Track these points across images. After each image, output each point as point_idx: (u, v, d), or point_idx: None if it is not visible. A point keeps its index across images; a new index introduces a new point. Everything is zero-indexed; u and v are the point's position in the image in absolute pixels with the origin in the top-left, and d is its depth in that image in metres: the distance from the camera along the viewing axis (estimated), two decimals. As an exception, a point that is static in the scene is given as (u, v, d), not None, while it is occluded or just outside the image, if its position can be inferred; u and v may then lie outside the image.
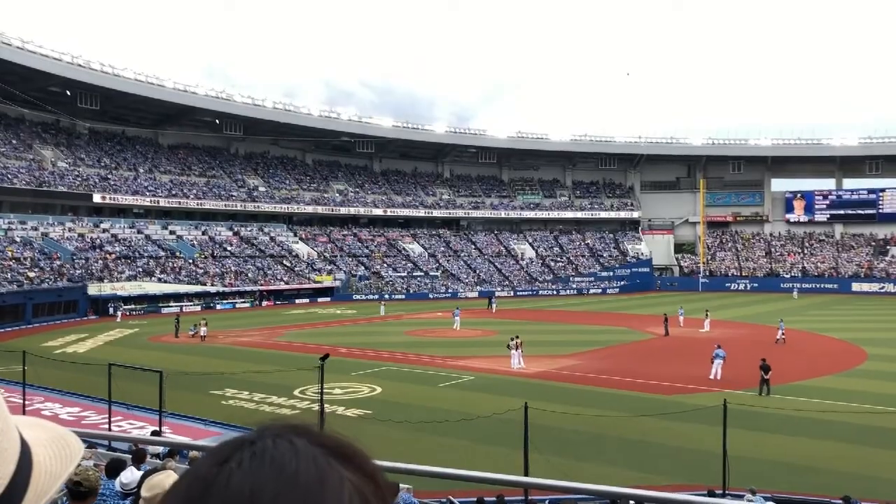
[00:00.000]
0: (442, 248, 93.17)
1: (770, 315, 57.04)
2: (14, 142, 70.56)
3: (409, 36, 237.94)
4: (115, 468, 7.75)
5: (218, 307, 64.54)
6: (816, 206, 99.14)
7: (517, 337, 32.77)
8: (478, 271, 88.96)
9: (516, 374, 30.68)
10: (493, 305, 64.01)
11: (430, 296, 78.67)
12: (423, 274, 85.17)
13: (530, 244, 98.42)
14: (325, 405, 21.99)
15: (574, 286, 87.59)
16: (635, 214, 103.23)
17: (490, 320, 53.95)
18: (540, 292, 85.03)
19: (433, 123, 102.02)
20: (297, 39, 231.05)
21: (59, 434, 0.99)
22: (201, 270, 69.05)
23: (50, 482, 0.91)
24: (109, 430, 19.30)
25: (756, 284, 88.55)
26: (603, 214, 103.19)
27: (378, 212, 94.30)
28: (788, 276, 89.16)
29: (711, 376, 28.85)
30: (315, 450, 0.81)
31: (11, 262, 56.18)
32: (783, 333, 39.55)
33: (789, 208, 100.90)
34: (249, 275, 71.80)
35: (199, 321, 44.99)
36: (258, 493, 0.75)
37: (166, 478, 4.93)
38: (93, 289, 57.67)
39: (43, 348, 36.22)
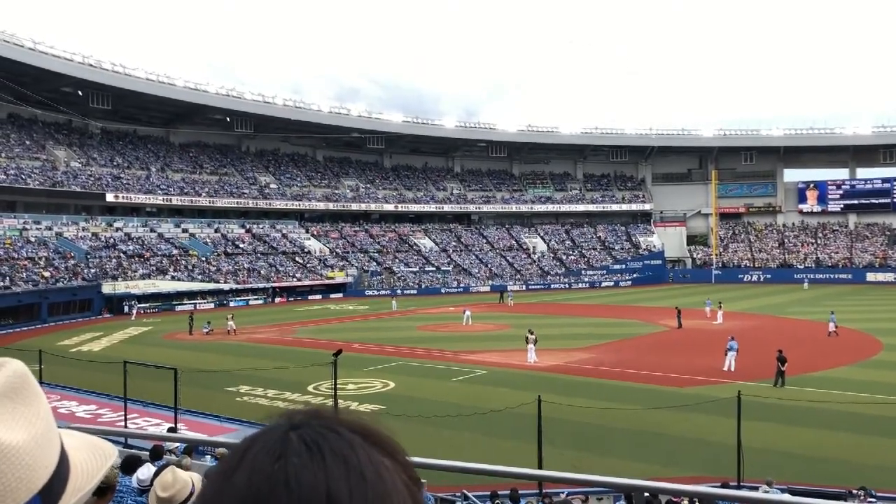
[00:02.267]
0: (453, 243, 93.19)
1: (781, 306, 56.80)
2: (27, 142, 71.06)
3: (415, 31, 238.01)
4: (131, 465, 7.82)
5: (231, 304, 64.81)
6: (830, 196, 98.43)
7: (532, 332, 32.75)
8: (489, 266, 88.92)
9: (529, 367, 30.68)
10: (510, 299, 63.99)
11: (442, 290, 78.74)
12: (434, 269, 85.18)
13: (542, 238, 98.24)
14: (339, 401, 22.09)
15: (586, 279, 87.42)
16: (647, 207, 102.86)
17: (504, 314, 53.94)
18: (552, 286, 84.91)
19: (442, 118, 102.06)
20: (303, 37, 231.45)
21: (89, 440, 1.05)
22: (214, 268, 69.37)
23: (86, 479, 0.97)
24: (125, 427, 19.45)
25: (769, 276, 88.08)
26: (614, 207, 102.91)
27: (389, 207, 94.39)
28: (802, 266, 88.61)
29: (725, 368, 28.77)
30: (358, 438, 0.81)
31: (27, 262, 56.63)
32: (836, 326, 38.75)
33: (802, 199, 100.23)
34: (262, 272, 72.06)
35: (225, 316, 45.92)
36: (336, 490, 0.74)
37: (175, 474, 4.92)
38: (107, 287, 58.08)
39: (58, 347, 36.51)
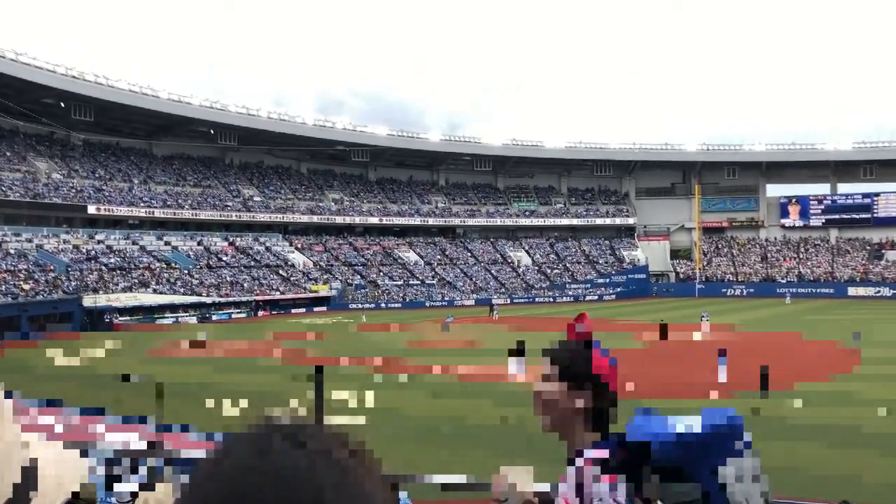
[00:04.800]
0: (438, 257, 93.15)
1: (764, 320, 57.10)
2: (8, 154, 70.46)
3: (399, 44, 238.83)
4: (110, 479, 7.67)
5: (214, 318, 64.37)
6: (811, 211, 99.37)
7: (520, 345, 32.69)
8: (474, 279, 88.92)
9: (514, 381, 30.56)
10: (496, 312, 63.89)
11: (427, 304, 78.59)
12: (419, 282, 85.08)
13: (526, 251, 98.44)
14: (323, 415, 21.89)
15: (570, 293, 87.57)
16: (631, 221, 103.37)
17: (489, 327, 53.84)
18: (536, 299, 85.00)
19: (427, 132, 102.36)
20: (285, 49, 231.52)
21: (61, 455, 1.06)
22: (197, 281, 68.91)
23: (56, 492, 0.98)
24: (105, 440, 19.20)
25: (752, 290, 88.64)
26: (598, 221, 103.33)
27: (373, 220, 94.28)
28: (784, 281, 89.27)
29: (720, 380, 28.75)
30: (335, 441, 0.83)
31: (6, 275, 56.01)
32: (857, 344, 38.17)
33: (784, 213, 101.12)
34: (245, 285, 71.66)
35: (197, 330, 45.36)
36: (320, 481, 0.76)
37: (165, 491, 4.81)
38: (88, 300, 57.48)
39: (38, 360, 36.05)
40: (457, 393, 28.81)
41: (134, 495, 6.08)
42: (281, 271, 78.19)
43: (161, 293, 64.23)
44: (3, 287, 53.71)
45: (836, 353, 38.35)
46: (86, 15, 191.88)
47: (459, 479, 4.13)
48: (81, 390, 25.33)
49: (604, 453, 1.85)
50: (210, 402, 26.50)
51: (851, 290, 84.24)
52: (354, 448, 0.84)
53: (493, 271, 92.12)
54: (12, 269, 57.45)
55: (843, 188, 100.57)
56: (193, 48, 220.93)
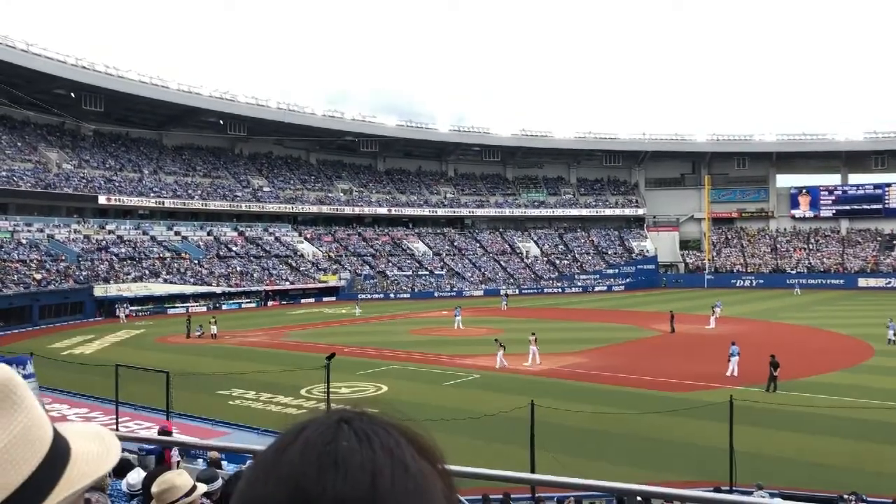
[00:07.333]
0: (447, 247, 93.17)
1: (774, 311, 56.92)
2: (19, 144, 70.76)
3: (408, 34, 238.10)
4: (121, 469, 7.76)
5: (224, 307, 64.62)
6: (822, 202, 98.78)
7: (534, 335, 33.18)
8: (483, 270, 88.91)
9: (523, 371, 30.69)
10: (504, 304, 63.84)
11: (436, 294, 78.65)
12: (427, 273, 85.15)
13: (535, 242, 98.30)
14: (332, 404, 22.00)
15: (579, 284, 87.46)
16: (640, 211, 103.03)
17: (497, 318, 53.91)
18: (545, 290, 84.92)
19: (436, 122, 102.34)
20: (294, 40, 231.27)
21: (97, 431, 1.06)
22: (207, 271, 69.16)
23: (87, 471, 0.96)
24: (117, 430, 19.35)
25: (762, 281, 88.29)
26: (608, 212, 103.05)
27: (382, 211, 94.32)
28: (794, 272, 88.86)
29: (728, 373, 28.62)
30: (403, 439, 0.86)
31: (18, 265, 56.34)
32: (895, 334, 38.00)
33: (794, 204, 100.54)
34: (255, 275, 71.87)
35: (208, 320, 45.41)
36: (379, 474, 0.79)
37: (178, 476, 4.89)
38: (99, 290, 57.82)
39: (50, 350, 36.33)
40: (471, 383, 28.88)
41: (146, 483, 6.17)
42: (290, 261, 78.38)
43: (171, 283, 64.51)
44: (16, 277, 54.05)
45: (850, 344, 38.25)
46: (96, 6, 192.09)
47: (471, 468, 4.17)
48: (94, 380, 25.46)
49: None
50: (223, 392, 26.69)
51: (862, 282, 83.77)
52: (419, 441, 0.88)
53: (501, 262, 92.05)
54: (24, 258, 57.80)
55: (854, 179, 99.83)
56: (203, 39, 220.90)
